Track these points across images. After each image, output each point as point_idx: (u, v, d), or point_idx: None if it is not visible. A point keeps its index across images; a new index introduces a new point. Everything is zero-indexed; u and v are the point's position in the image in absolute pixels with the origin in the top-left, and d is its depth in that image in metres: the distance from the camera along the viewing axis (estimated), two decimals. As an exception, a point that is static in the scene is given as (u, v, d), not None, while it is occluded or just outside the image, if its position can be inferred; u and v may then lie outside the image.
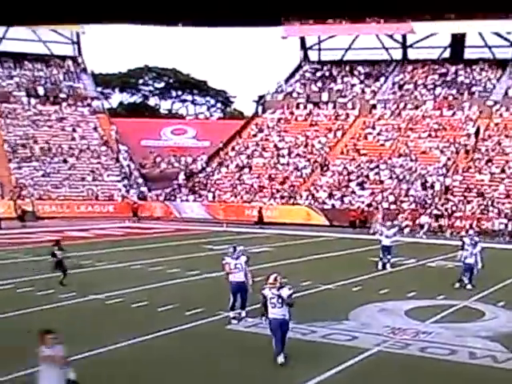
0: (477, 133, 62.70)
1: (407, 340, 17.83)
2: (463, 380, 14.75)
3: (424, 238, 47.08)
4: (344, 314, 20.53)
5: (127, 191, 63.81)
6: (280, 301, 15.33)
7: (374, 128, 66.64)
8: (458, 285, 26.17)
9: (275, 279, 15.69)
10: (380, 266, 30.87)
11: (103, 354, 15.97)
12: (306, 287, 25.10)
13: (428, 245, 42.49)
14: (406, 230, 49.10)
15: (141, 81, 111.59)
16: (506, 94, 68.30)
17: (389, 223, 36.82)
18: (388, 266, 30.89)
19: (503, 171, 56.26)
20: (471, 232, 30.48)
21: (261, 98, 77.25)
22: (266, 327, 16.15)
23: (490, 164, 57.47)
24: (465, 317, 20.97)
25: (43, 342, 10.43)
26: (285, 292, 15.45)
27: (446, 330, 19.09)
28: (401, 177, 57.68)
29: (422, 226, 49.56)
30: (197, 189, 62.76)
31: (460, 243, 28.99)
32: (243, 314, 19.07)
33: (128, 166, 68.91)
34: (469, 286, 25.97)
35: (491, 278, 27.81)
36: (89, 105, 76.33)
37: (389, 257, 31.09)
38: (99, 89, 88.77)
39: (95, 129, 72.82)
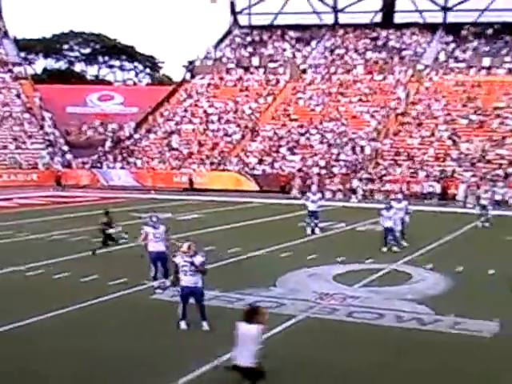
0: (407, 96, 63.03)
1: (335, 305, 17.70)
2: (390, 344, 14.56)
3: (356, 202, 47.28)
4: (272, 280, 20.26)
5: (51, 159, 62.57)
6: (192, 268, 15.02)
7: (304, 93, 66.43)
8: (385, 249, 26.16)
9: (189, 247, 15.27)
10: (309, 231, 30.73)
11: (22, 328, 15.43)
12: (234, 254, 24.90)
13: (359, 209, 42.63)
14: (339, 195, 49.48)
15: (66, 46, 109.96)
16: (437, 58, 68.82)
17: (314, 187, 36.38)
18: (317, 230, 30.84)
19: (433, 134, 56.75)
20: (399, 196, 30.28)
21: (190, 63, 76.62)
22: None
23: (420, 128, 57.83)
24: (392, 280, 20.92)
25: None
26: (197, 259, 15.11)
27: (374, 293, 19.02)
28: (331, 141, 57.63)
29: (353, 191, 49.71)
30: (124, 156, 61.94)
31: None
32: (167, 283, 18.50)
33: (53, 133, 67.72)
34: (395, 248, 26.08)
35: (420, 240, 28.10)
36: (10, 70, 74.73)
37: (316, 221, 31.04)
38: (22, 54, 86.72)
39: (18, 95, 71.38)
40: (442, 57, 69.02)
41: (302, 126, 60.54)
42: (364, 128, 59.01)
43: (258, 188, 53.80)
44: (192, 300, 15.32)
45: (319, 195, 33.40)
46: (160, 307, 17.16)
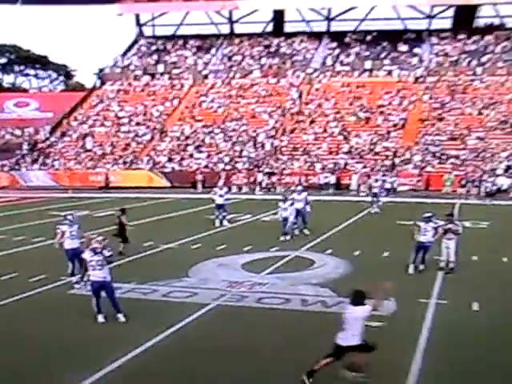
0: (300, 97, 63.16)
1: (244, 292, 17.15)
2: (296, 326, 14.21)
3: (260, 195, 46.90)
4: (184, 271, 19.57)
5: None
6: (100, 263, 14.37)
7: (207, 96, 65.88)
8: (282, 238, 25.68)
9: (98, 242, 14.62)
10: (217, 223, 30.09)
11: None
12: (147, 248, 24.08)
13: (263, 201, 42.13)
14: (244, 188, 49.19)
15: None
16: (324, 62, 69.18)
17: (221, 182, 36.06)
18: (225, 222, 30.28)
19: (325, 131, 57.05)
20: (299, 188, 29.87)
21: (101, 70, 74.87)
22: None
23: (313, 125, 58.01)
24: (296, 266, 20.47)
25: None
26: (105, 254, 14.49)
27: (280, 280, 18.55)
28: (234, 139, 57.20)
29: (259, 184, 49.54)
30: (41, 158, 60.16)
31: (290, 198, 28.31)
32: (85, 278, 17.64)
33: (-29, 138, 64.97)
34: (287, 237, 25.75)
35: (319, 228, 27.78)
36: None
37: (224, 214, 30.51)
38: None
39: None
40: (329, 61, 69.44)
41: (206, 126, 60.03)
42: (263, 126, 58.82)
43: (169, 184, 53.09)
44: (104, 294, 14.60)
45: (226, 189, 33.08)
46: (78, 301, 16.14)
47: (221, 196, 30.69)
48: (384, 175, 46.30)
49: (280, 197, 28.11)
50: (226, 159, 54.23)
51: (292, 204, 26.84)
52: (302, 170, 51.36)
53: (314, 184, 48.35)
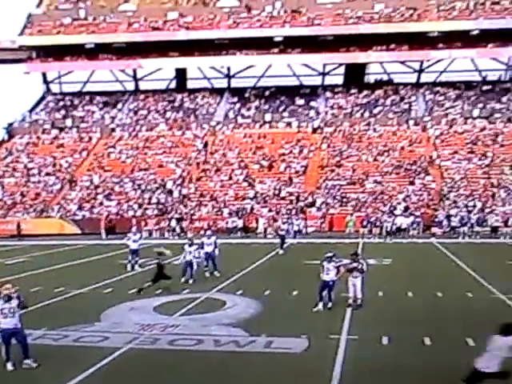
0: (205, 147, 62.90)
1: (156, 335, 16.15)
2: (210, 366, 13.41)
3: (172, 239, 45.66)
4: (96, 315, 18.40)
5: None
6: (12, 311, 13.39)
7: (115, 148, 64.61)
8: (183, 279, 24.87)
9: (6, 289, 13.63)
10: (129, 268, 29.03)
11: None
12: (58, 293, 22.65)
13: (174, 245, 40.73)
14: (155, 233, 48.58)
15: None
16: (227, 115, 69.20)
17: (134, 228, 34.98)
18: (137, 266, 29.18)
19: (230, 178, 56.67)
20: (209, 232, 29.01)
21: (10, 125, 72.50)
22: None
23: (218, 173, 57.55)
24: (208, 307, 19.58)
25: None
26: (14, 302, 13.49)
27: (192, 321, 17.66)
28: (143, 187, 56.17)
29: (173, 229, 48.70)
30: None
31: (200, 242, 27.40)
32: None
33: None
34: (191, 281, 24.71)
35: (230, 270, 27.00)
36: None
37: (136, 258, 29.47)
38: None
39: None
40: (231, 114, 69.47)
41: (115, 176, 58.74)
42: (170, 175, 57.99)
43: (80, 231, 51.52)
44: (14, 341, 13.53)
45: (139, 235, 31.98)
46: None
47: (134, 241, 29.77)
48: (290, 218, 46.34)
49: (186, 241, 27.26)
50: (136, 206, 53.15)
51: (202, 247, 26.31)
52: (210, 215, 50.79)
53: (222, 228, 47.78)
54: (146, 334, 16.21)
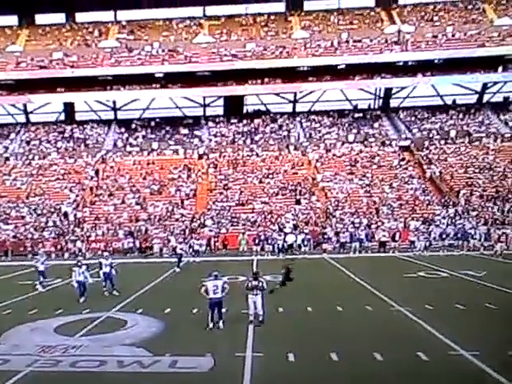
0: (97, 174, 61.00)
1: (58, 356, 14.69)
2: None
3: (70, 260, 42.06)
4: (-3, 337, 16.56)
5: None
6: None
7: (10, 175, 61.47)
8: (82, 299, 23.45)
9: None
10: (40, 288, 27.31)
11: None
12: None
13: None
14: (53, 255, 45.53)
15: None
16: (115, 144, 67.54)
17: (42, 251, 33.29)
18: (38, 286, 27.35)
19: (123, 202, 54.83)
20: (106, 253, 27.71)
21: None
22: None
23: (112, 197, 55.63)
24: (110, 327, 18.14)
25: None
26: None
27: (94, 342, 16.24)
28: (38, 211, 53.58)
29: (80, 250, 46.06)
30: None
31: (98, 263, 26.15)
32: None
33: None
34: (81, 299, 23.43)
35: (128, 289, 25.57)
36: None
37: (42, 279, 27.77)
38: None
39: None
40: (120, 143, 67.62)
41: (11, 201, 55.65)
42: (65, 200, 55.54)
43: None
44: None
45: (45, 257, 31.33)
46: None
47: (42, 263, 28.34)
48: (191, 238, 45.05)
49: (74, 262, 25.72)
50: (32, 229, 50.43)
51: (100, 268, 25.34)
52: (105, 237, 48.73)
53: (118, 249, 45.84)
54: (46, 356, 14.74)
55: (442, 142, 61.94)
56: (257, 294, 17.79)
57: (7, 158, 65.31)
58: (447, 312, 19.00)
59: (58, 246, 47.22)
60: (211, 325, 17.54)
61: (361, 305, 20.54)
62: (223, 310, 17.90)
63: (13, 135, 70.27)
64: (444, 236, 44.05)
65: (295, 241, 43.64)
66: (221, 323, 17.65)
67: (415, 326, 16.99)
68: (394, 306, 20.14)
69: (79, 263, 24.53)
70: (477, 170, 55.67)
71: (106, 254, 27.55)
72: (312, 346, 14.88)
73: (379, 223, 47.38)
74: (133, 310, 20.91)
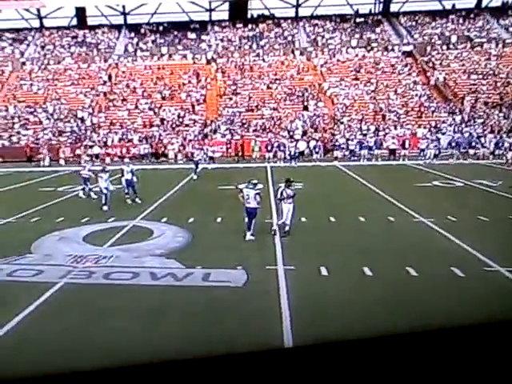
0: (110, 79, 59.61)
1: (90, 267, 13.81)
2: (151, 303, 11.27)
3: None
4: (26, 247, 15.82)
5: None
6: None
7: (26, 80, 60.18)
8: (106, 207, 22.47)
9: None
10: (81, 194, 26.51)
11: None
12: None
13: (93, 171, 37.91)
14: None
15: None
16: (126, 49, 66.11)
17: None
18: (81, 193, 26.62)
19: (137, 107, 53.70)
20: (126, 159, 26.66)
21: None
22: None
23: (125, 102, 54.47)
24: (137, 237, 17.21)
25: None
26: None
27: (124, 252, 15.33)
28: (56, 116, 52.49)
29: (97, 156, 44.97)
30: None
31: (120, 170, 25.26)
32: None
33: None
34: (104, 208, 22.40)
35: (149, 196, 24.70)
36: None
37: (90, 186, 26.45)
38: None
39: None
40: (130, 48, 66.20)
41: (29, 106, 54.70)
42: (81, 105, 54.49)
43: (0, 159, 46.51)
44: None
45: (90, 163, 29.80)
46: None
47: (89, 170, 26.90)
48: (200, 145, 43.53)
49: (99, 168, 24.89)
50: (50, 135, 49.65)
51: (122, 175, 24.56)
52: (123, 143, 47.65)
53: (134, 154, 44.73)
54: (79, 266, 13.89)
55: (444, 47, 60.01)
56: (291, 203, 16.80)
57: (23, 63, 64.18)
58: (471, 224, 17.95)
59: (76, 152, 45.97)
60: (248, 235, 16.58)
61: (382, 215, 19.50)
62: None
63: (27, 42, 68.69)
64: (453, 144, 41.96)
65: (307, 147, 42.60)
66: (248, 234, 16.66)
67: (442, 240, 15.95)
68: (417, 217, 19.07)
69: (106, 168, 23.75)
70: (480, 77, 53.97)
71: (126, 160, 26.51)
72: (342, 259, 13.94)
73: (387, 130, 46.11)
74: (156, 218, 20.04)
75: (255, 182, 17.06)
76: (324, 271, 12.94)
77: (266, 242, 16.11)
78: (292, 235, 16.60)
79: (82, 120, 51.45)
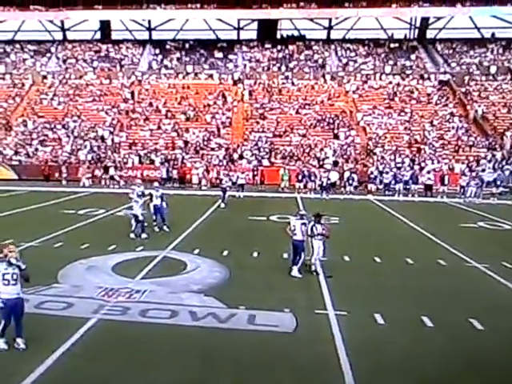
0: (132, 96, 59.45)
1: (123, 302, 13.37)
2: (190, 346, 10.85)
3: (114, 188, 41.62)
4: (52, 275, 15.42)
5: None
6: (15, 277, 10.37)
7: (47, 94, 60.32)
8: (132, 235, 21.95)
9: (9, 250, 10.48)
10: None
11: None
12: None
13: (113, 195, 37.41)
14: (89, 182, 44.07)
15: None
16: (150, 66, 66.22)
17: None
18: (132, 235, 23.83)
19: (159, 128, 53.50)
20: (156, 184, 25.68)
21: None
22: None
23: (147, 122, 54.32)
24: (170, 269, 16.74)
25: None
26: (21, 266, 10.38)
27: (158, 286, 14.87)
28: (75, 134, 52.33)
29: (112, 178, 44.20)
30: None
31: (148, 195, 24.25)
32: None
33: None
34: (143, 236, 21.81)
35: (177, 224, 24.19)
36: None
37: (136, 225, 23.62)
38: None
39: None
40: (155, 65, 66.31)
41: (48, 122, 54.57)
42: (101, 123, 54.29)
43: (16, 177, 46.96)
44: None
45: (142, 187, 26.06)
46: None
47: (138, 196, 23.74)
48: (227, 170, 41.93)
49: (131, 191, 24.10)
50: (68, 153, 49.35)
51: (150, 200, 23.52)
52: (144, 165, 47.40)
53: (155, 177, 43.88)
54: (111, 300, 13.46)
55: (483, 78, 59.54)
56: (321, 239, 16.31)
57: (45, 77, 64.44)
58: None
59: (95, 172, 45.38)
60: (295, 270, 16.12)
61: (431, 258, 18.88)
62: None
63: (49, 55, 69.08)
64: (498, 183, 40.76)
65: (340, 179, 41.73)
66: (295, 270, 16.17)
67: (503, 288, 15.38)
68: (469, 262, 18.47)
69: (142, 193, 23.19)
70: (522, 111, 53.27)
71: (155, 184, 25.38)
72: (397, 306, 13.43)
73: (422, 163, 45.42)
74: (188, 250, 19.51)
75: (303, 213, 16.72)
76: (379, 319, 12.45)
77: (309, 281, 15.64)
78: (336, 275, 16.10)
79: (103, 139, 51.24)
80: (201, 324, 12.03)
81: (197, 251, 19.27)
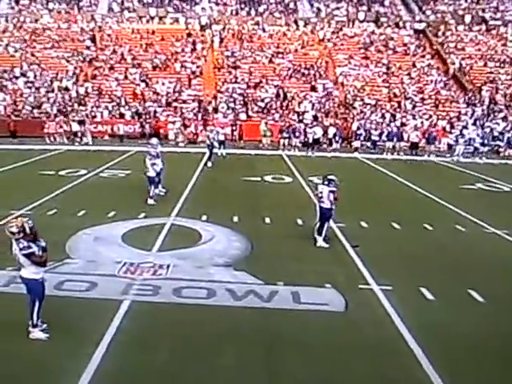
0: (94, 41, 57.66)
1: (151, 280, 12.73)
2: (245, 330, 10.46)
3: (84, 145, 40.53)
4: (60, 249, 14.45)
5: None
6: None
7: (2, 40, 57.62)
8: (151, 201, 21.06)
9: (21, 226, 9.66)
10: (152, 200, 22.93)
11: None
12: (-1, 216, 17.38)
13: (88, 152, 36.49)
14: (59, 138, 42.32)
15: None
16: (110, 8, 63.95)
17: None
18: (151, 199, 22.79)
19: (126, 77, 52.00)
20: (155, 140, 23.75)
21: None
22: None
23: (112, 71, 52.70)
24: (185, 239, 16.14)
25: None
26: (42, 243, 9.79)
27: (180, 259, 14.29)
28: (36, 85, 50.30)
29: (75, 134, 42.36)
30: None
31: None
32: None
33: None
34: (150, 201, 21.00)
35: (169, 185, 23.29)
36: None
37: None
38: None
39: None
40: (116, 7, 64.13)
41: (5, 71, 52.18)
42: (63, 72, 52.26)
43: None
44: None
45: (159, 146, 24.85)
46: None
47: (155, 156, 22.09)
48: (206, 125, 41.46)
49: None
50: (30, 107, 47.23)
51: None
52: (114, 119, 45.89)
53: (127, 133, 43.29)
54: (137, 278, 12.78)
55: (460, 28, 59.61)
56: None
57: (-5, 20, 61.04)
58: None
59: (64, 127, 43.12)
60: (320, 241, 15.87)
61: (449, 224, 18.88)
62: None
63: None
64: (485, 141, 40.72)
65: (323, 135, 40.79)
66: (320, 240, 15.88)
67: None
68: (487, 228, 18.51)
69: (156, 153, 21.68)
70: (497, 64, 53.55)
71: (154, 140, 23.60)
72: (441, 279, 13.28)
73: (404, 119, 45.31)
74: (195, 216, 18.87)
75: (332, 177, 15.90)
76: (427, 294, 12.30)
77: (337, 251, 15.42)
78: (361, 244, 15.89)
79: (67, 89, 49.39)
80: (244, 304, 11.55)
81: (204, 217, 18.77)
